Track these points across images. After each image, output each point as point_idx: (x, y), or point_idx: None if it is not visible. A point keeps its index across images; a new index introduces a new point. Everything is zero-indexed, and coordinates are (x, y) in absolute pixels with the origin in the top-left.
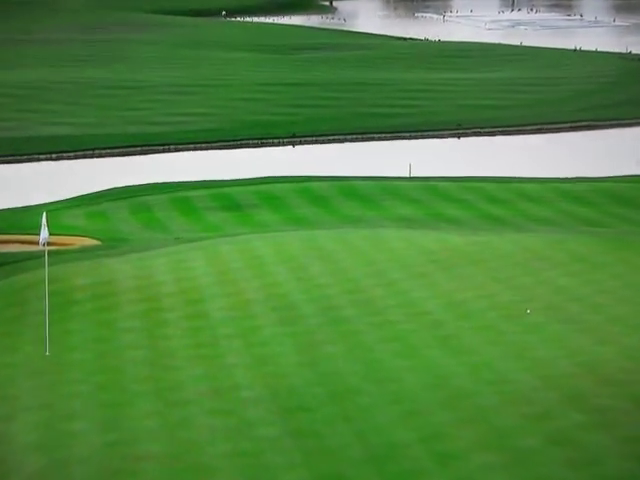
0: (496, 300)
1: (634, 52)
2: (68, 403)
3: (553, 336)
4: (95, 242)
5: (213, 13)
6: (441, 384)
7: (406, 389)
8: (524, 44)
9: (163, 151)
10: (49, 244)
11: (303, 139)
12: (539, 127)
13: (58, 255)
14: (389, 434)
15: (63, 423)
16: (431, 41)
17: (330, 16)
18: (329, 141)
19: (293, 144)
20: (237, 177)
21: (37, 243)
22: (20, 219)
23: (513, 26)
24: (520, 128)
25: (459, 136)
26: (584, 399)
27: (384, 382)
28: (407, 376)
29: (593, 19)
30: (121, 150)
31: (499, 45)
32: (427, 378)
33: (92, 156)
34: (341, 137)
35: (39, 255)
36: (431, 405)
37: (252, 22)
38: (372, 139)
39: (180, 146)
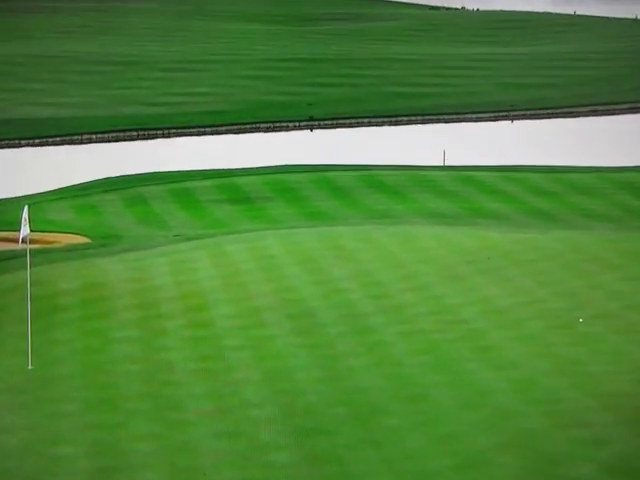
0: (543, 307)
1: None
2: (53, 424)
3: (609, 349)
4: (84, 239)
5: None
6: (480, 403)
7: (440, 409)
8: (577, 13)
9: (162, 136)
10: (31, 242)
11: (322, 122)
12: (593, 108)
13: (42, 254)
14: (420, 460)
15: (47, 447)
16: (469, 10)
17: None
18: (351, 125)
19: (310, 128)
20: (246, 165)
21: (17, 241)
22: None
23: None
24: (571, 109)
25: (512, 119)
26: None
27: (415, 400)
28: (441, 394)
29: None
30: (114, 135)
31: (548, 14)
32: (464, 396)
33: (80, 141)
34: (365, 120)
35: (20, 255)
36: (469, 427)
37: None
38: (400, 122)
39: (181, 130)
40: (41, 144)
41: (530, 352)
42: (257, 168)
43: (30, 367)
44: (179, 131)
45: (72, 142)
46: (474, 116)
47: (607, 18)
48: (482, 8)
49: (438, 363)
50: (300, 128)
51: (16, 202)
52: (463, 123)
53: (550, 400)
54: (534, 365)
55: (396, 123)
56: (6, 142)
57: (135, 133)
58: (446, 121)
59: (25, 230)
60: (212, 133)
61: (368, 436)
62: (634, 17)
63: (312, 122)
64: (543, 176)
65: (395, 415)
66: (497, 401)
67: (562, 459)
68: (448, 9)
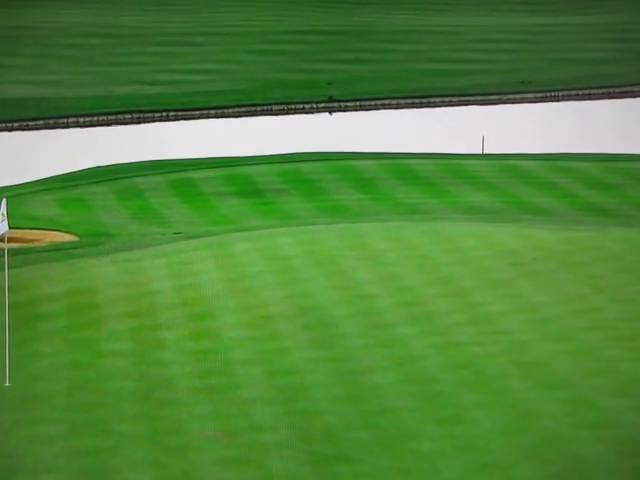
0: (599, 316)
1: None
2: (33, 450)
3: None
4: (71, 238)
5: None
6: (526, 427)
7: (479, 433)
8: None
9: (160, 119)
10: (10, 240)
11: (343, 104)
12: None
13: (22, 254)
14: None
15: (27, 476)
16: None
17: None
18: (377, 107)
19: (330, 110)
20: (256, 153)
21: None
22: None
23: None
24: (631, 88)
25: (561, 99)
26: None
27: (450, 423)
28: (480, 416)
29: None
30: (104, 118)
31: None
32: (507, 419)
33: (66, 125)
34: (393, 102)
35: None
36: (512, 454)
37: None
38: (433, 104)
39: (182, 113)
40: (21, 128)
41: (584, 368)
42: (268, 156)
43: (7, 384)
44: (179, 114)
45: (57, 126)
46: (518, 97)
47: None
48: None
49: (477, 380)
50: (318, 110)
51: None
52: (505, 105)
53: (608, 424)
54: (589, 383)
55: (428, 105)
56: None
57: (129, 116)
58: (486, 103)
59: (3, 227)
60: (217, 116)
61: (396, 464)
62: None
63: (332, 104)
64: (598, 165)
65: (427, 440)
66: (546, 425)
67: None
68: None
